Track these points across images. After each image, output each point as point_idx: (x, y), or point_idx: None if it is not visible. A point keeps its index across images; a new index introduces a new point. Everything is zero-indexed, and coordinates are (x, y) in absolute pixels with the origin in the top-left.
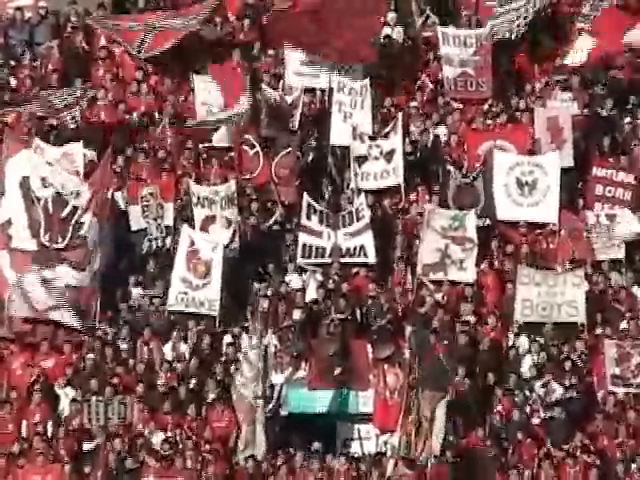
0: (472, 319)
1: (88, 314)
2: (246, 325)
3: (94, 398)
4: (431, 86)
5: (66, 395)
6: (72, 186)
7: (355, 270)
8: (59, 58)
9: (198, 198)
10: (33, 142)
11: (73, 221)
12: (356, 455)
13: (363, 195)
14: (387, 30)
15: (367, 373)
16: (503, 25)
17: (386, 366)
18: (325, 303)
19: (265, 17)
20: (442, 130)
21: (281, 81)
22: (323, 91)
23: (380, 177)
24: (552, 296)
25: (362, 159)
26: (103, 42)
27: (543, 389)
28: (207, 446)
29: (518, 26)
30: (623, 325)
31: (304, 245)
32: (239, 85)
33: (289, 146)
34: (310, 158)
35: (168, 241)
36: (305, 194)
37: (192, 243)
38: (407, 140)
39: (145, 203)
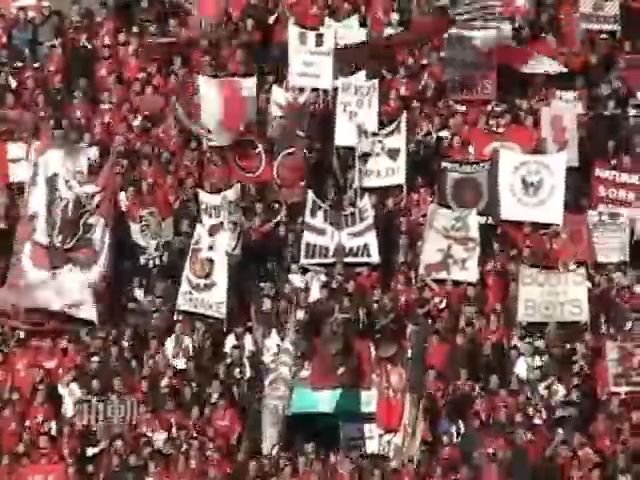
0: (475, 319)
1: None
2: (249, 326)
3: (95, 399)
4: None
5: (70, 395)
6: (88, 189)
7: (358, 270)
8: (62, 58)
9: (206, 208)
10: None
11: (82, 222)
12: (359, 454)
13: (367, 196)
14: (389, 30)
15: (370, 372)
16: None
17: (389, 365)
18: (329, 303)
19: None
20: (445, 133)
21: (284, 82)
22: (326, 91)
23: (385, 175)
24: (555, 295)
25: (366, 156)
26: (106, 41)
27: (546, 390)
28: (211, 444)
29: (519, 27)
30: (628, 325)
31: (308, 244)
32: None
33: (292, 146)
34: (314, 159)
35: (165, 258)
36: (310, 191)
37: (197, 242)
38: (411, 139)
39: (144, 223)
